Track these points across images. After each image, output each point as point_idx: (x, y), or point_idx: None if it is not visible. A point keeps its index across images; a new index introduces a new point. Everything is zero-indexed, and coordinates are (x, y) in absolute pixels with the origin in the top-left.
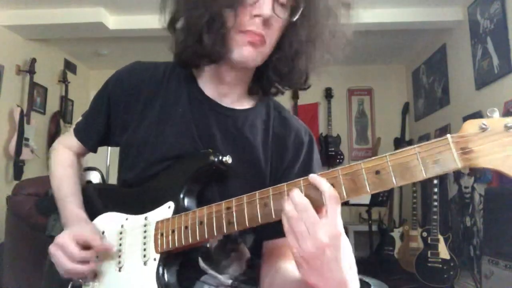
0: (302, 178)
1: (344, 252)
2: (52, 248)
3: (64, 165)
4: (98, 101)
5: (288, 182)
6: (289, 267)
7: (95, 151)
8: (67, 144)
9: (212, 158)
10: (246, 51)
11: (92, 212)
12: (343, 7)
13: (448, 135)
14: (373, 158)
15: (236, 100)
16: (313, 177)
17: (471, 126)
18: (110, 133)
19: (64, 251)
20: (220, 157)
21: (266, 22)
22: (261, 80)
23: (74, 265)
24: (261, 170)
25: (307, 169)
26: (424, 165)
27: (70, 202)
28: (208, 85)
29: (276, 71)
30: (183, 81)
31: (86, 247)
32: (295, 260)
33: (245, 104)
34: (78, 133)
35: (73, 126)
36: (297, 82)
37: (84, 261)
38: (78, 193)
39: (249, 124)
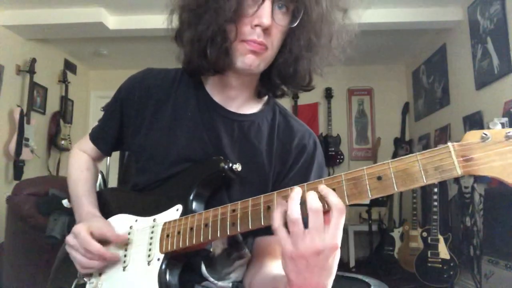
0: (309, 183)
1: (331, 262)
2: (69, 238)
3: (82, 168)
4: (112, 107)
5: (294, 186)
6: (274, 264)
7: (109, 155)
8: (83, 148)
9: (222, 165)
10: (249, 59)
11: (105, 214)
12: (340, 11)
13: (450, 143)
14: (376, 164)
15: (243, 104)
16: (323, 188)
17: (472, 136)
18: (123, 138)
19: (80, 241)
20: (230, 165)
21: (266, 31)
22: (267, 83)
23: (86, 259)
24: (265, 174)
25: (304, 173)
26: (425, 171)
27: (85, 202)
28: (215, 91)
29: (280, 74)
30: (192, 86)
31: (101, 238)
32: (283, 254)
33: (252, 108)
34: (93, 138)
35: (89, 131)
36: (300, 84)
37: (94, 254)
38: (93, 194)
39: (255, 129)
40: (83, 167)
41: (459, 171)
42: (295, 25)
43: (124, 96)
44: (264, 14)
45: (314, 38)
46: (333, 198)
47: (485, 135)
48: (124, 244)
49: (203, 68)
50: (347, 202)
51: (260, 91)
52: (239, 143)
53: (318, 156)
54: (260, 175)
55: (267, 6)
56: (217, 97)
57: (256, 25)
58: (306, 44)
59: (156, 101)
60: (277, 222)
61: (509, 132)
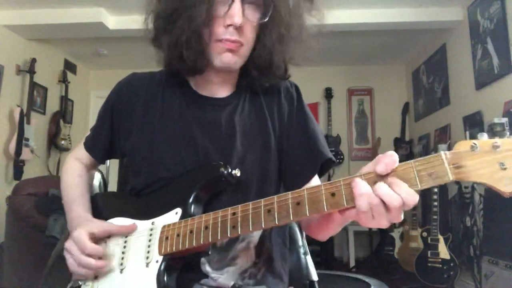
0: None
1: None
2: (67, 243)
3: (74, 174)
4: (103, 114)
5: (293, 192)
6: None
7: (103, 162)
8: (78, 156)
9: (222, 170)
10: (226, 58)
11: (102, 218)
12: (309, 4)
13: (442, 152)
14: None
15: (227, 94)
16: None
17: (463, 146)
18: (116, 144)
19: (78, 244)
20: (230, 170)
21: (239, 28)
22: (246, 77)
23: (87, 259)
24: (267, 139)
25: (303, 118)
26: (420, 177)
27: (77, 206)
28: (200, 86)
29: (256, 67)
30: (177, 86)
31: (105, 236)
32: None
33: (234, 89)
34: (87, 146)
35: (83, 139)
36: (276, 74)
37: (93, 257)
38: (85, 199)
39: (241, 103)
40: (74, 174)
41: (450, 177)
42: (266, 20)
43: (113, 102)
44: (236, 14)
45: (284, 31)
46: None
47: (474, 145)
48: (131, 232)
49: (183, 70)
50: (345, 204)
51: (240, 84)
52: (237, 123)
53: (304, 102)
54: (263, 143)
55: (237, 5)
56: (203, 92)
57: (228, 25)
58: (278, 37)
59: (145, 103)
60: (364, 207)
61: (496, 143)
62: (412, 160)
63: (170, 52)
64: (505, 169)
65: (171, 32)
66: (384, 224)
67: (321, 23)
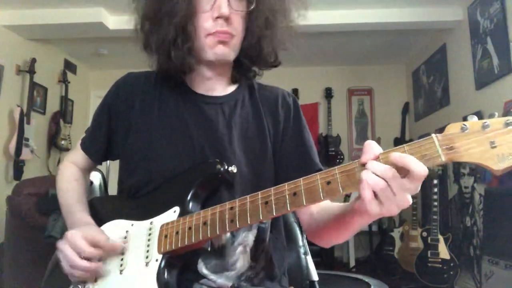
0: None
1: None
2: (61, 243)
3: (70, 179)
4: (99, 114)
5: (289, 182)
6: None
7: (100, 163)
8: (73, 160)
9: (219, 167)
10: (219, 50)
11: (100, 221)
12: None
13: (433, 135)
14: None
15: (223, 90)
16: (400, 156)
17: (453, 128)
18: (113, 143)
19: (73, 246)
20: (226, 167)
21: (228, 20)
22: (239, 68)
23: (80, 261)
24: (263, 143)
25: (299, 128)
26: None
27: (76, 210)
28: (196, 84)
29: (248, 57)
30: (173, 85)
31: (94, 246)
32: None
33: (232, 89)
34: (84, 147)
35: (79, 141)
36: (268, 61)
37: (90, 259)
38: (84, 202)
39: (240, 105)
40: (71, 178)
41: (443, 158)
42: (252, 8)
43: (110, 101)
44: (222, 5)
45: (270, 17)
46: (414, 165)
47: (464, 126)
48: (119, 252)
49: (173, 70)
50: (341, 192)
51: (235, 77)
52: (232, 123)
53: (301, 113)
54: (259, 144)
55: None
56: (199, 89)
57: (217, 17)
58: (264, 23)
59: (141, 103)
60: (368, 195)
61: (485, 122)
62: (404, 144)
63: (159, 53)
64: (495, 147)
65: (157, 32)
66: (394, 210)
67: (303, 6)
